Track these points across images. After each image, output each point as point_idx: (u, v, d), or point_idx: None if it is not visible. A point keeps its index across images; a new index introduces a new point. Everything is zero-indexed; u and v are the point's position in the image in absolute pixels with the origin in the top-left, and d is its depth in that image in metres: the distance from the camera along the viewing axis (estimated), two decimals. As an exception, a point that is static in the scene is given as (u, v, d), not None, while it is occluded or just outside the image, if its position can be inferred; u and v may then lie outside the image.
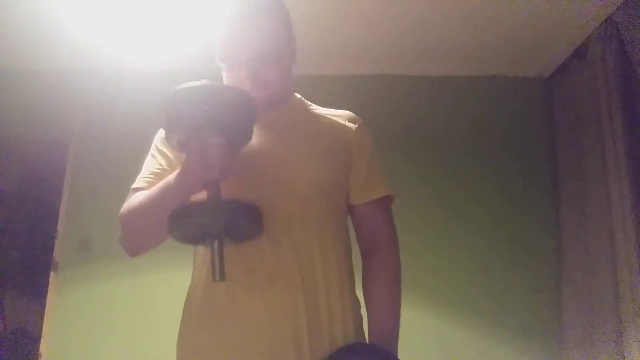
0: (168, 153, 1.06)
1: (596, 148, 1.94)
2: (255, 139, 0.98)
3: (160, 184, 0.95)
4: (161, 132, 1.08)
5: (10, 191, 2.51)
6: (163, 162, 1.07)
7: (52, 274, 2.26)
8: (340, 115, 1.15)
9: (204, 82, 0.88)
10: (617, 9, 1.85)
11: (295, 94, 1.17)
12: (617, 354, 1.74)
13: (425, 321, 2.12)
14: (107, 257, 2.13)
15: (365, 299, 1.07)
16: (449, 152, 2.35)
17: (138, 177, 1.08)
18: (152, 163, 1.08)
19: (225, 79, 1.04)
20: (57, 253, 2.28)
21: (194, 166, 0.86)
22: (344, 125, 1.12)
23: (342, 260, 1.05)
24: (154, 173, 1.05)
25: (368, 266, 1.09)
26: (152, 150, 1.10)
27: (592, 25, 1.97)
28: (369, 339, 1.03)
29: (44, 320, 2.20)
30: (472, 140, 2.36)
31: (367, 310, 1.06)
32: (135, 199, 1.01)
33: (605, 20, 1.91)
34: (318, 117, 1.13)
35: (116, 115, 2.39)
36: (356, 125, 1.13)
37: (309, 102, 1.18)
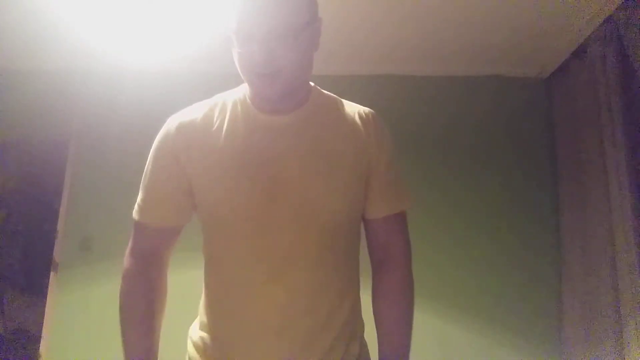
0: (170, 183, 0.98)
1: (596, 148, 1.94)
2: (273, 148, 0.93)
3: (130, 340, 0.96)
4: (157, 157, 1.00)
5: (10, 191, 2.50)
6: (168, 190, 0.99)
7: (52, 274, 2.26)
8: (361, 118, 1.04)
9: None
10: (617, 9, 1.84)
11: (313, 86, 1.07)
12: (617, 354, 1.74)
13: (425, 321, 2.12)
14: (107, 257, 2.13)
15: (375, 317, 1.04)
16: (449, 152, 2.35)
17: (140, 203, 1.01)
18: (154, 190, 1.00)
19: (236, 54, 0.92)
20: (57, 253, 2.28)
21: None
22: (366, 135, 1.02)
23: (351, 284, 1.02)
24: (159, 204, 0.99)
25: (380, 284, 1.04)
26: (151, 174, 1.01)
27: (592, 25, 1.97)
28: (380, 357, 1.01)
29: (44, 320, 2.20)
30: (472, 140, 2.36)
31: (377, 329, 1.03)
32: (126, 294, 1.00)
33: (605, 20, 1.91)
34: (337, 127, 1.01)
35: (116, 115, 2.39)
36: (377, 133, 1.04)
37: (327, 96, 1.07)
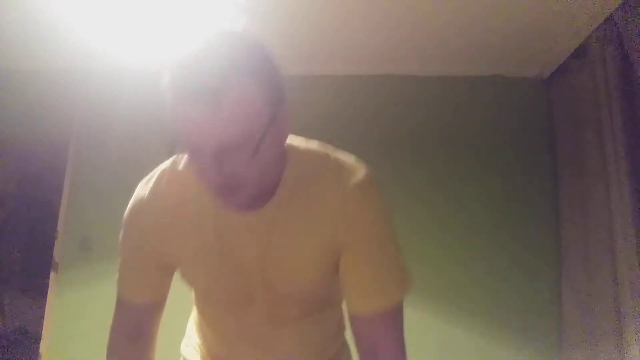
0: (146, 263, 0.94)
1: (596, 148, 1.94)
2: (239, 248, 0.87)
3: None
4: (127, 227, 0.94)
5: (10, 191, 2.50)
6: (144, 269, 0.95)
7: (52, 274, 2.26)
8: (336, 191, 0.84)
9: None
10: (617, 9, 1.84)
11: (291, 148, 0.87)
12: (617, 354, 1.74)
13: (425, 321, 2.12)
14: (107, 257, 2.13)
15: None
16: (449, 152, 2.35)
17: (119, 279, 0.98)
18: (131, 269, 0.96)
19: (186, 166, 0.82)
20: (57, 253, 2.28)
21: None
22: (339, 211, 0.83)
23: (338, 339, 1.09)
24: (138, 281, 0.96)
25: None
26: (127, 255, 0.96)
27: (592, 25, 1.97)
28: None
29: (44, 320, 2.20)
30: (472, 140, 2.36)
31: None
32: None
33: (605, 20, 1.91)
34: (307, 213, 0.85)
35: (116, 115, 2.39)
36: (355, 214, 0.83)
37: (306, 164, 0.86)
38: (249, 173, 0.72)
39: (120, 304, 0.98)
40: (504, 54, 2.28)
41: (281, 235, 0.85)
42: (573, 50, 2.16)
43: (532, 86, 2.42)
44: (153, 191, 0.89)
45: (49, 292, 2.24)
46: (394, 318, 0.84)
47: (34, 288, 2.32)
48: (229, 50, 0.69)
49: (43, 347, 2.17)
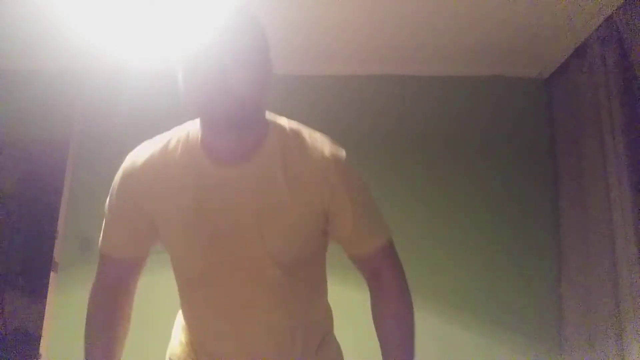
0: (128, 222, 1.00)
1: (596, 148, 1.94)
2: (226, 200, 0.93)
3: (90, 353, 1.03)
4: (118, 181, 1.01)
5: (10, 191, 2.51)
6: (126, 226, 1.01)
7: (52, 274, 2.26)
8: (318, 164, 0.96)
9: None
10: (617, 9, 1.85)
11: (270, 121, 0.99)
12: (617, 354, 1.74)
13: (426, 321, 2.12)
14: (107, 257, 2.13)
15: (378, 337, 1.03)
16: (449, 152, 2.35)
17: (102, 235, 1.03)
18: (114, 226, 1.02)
19: (185, 82, 0.90)
20: (57, 253, 2.28)
21: None
22: (322, 180, 0.95)
23: (319, 314, 1.09)
24: (120, 238, 1.02)
25: (378, 307, 1.04)
26: (112, 213, 1.02)
27: (592, 25, 1.97)
28: None
29: (44, 320, 2.20)
30: (473, 140, 2.36)
31: (381, 347, 1.02)
32: (90, 324, 1.06)
33: (605, 20, 1.91)
34: (293, 170, 0.95)
35: (116, 115, 2.39)
36: (335, 177, 0.96)
37: (287, 137, 0.98)
38: (241, 76, 0.85)
39: (102, 260, 1.04)
40: (504, 54, 2.28)
41: (269, 189, 0.93)
42: (573, 50, 2.16)
43: (532, 86, 2.42)
44: (151, 151, 0.99)
45: (49, 292, 2.24)
46: (389, 251, 1.03)
47: (34, 288, 2.33)
48: (237, 30, 0.88)
49: (43, 347, 2.17)
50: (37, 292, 2.31)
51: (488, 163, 2.33)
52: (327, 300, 1.12)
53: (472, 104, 2.41)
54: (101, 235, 1.03)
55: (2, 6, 1.98)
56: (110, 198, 1.03)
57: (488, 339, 2.13)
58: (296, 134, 0.98)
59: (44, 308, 2.22)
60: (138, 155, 1.00)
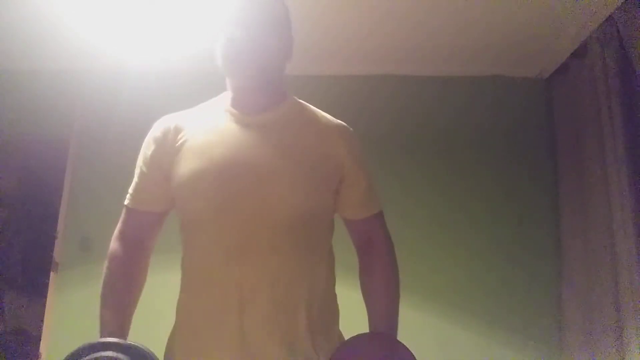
0: (155, 171, 1.08)
1: (596, 148, 1.94)
2: (243, 144, 1.01)
3: (105, 316, 1.02)
4: (145, 148, 1.10)
5: (10, 191, 2.50)
6: (153, 177, 1.08)
7: (52, 274, 2.26)
8: (332, 129, 1.10)
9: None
10: (617, 9, 1.84)
11: (292, 96, 1.15)
12: (617, 354, 1.74)
13: (425, 321, 2.12)
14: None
15: (363, 293, 1.11)
16: (449, 152, 2.35)
17: (130, 191, 1.11)
18: (142, 179, 1.10)
19: (220, 47, 1.05)
20: (57, 253, 2.28)
21: None
22: (337, 141, 1.08)
23: (320, 287, 1.06)
24: (145, 190, 1.09)
25: (364, 267, 1.14)
26: (141, 165, 1.11)
27: (592, 25, 1.97)
28: (370, 328, 1.07)
29: (44, 320, 2.20)
30: (473, 140, 2.36)
31: (366, 304, 1.10)
32: (109, 273, 1.06)
33: (605, 20, 1.91)
34: (310, 129, 1.08)
35: (116, 116, 2.40)
36: (349, 142, 1.11)
37: (304, 105, 1.14)
38: (267, 41, 1.02)
39: (128, 214, 1.11)
40: (504, 54, 2.28)
41: (288, 134, 1.05)
42: (573, 50, 2.16)
43: (532, 86, 2.42)
44: (184, 110, 1.13)
45: (49, 292, 2.24)
46: (381, 221, 1.15)
47: (34, 288, 2.32)
48: (263, 4, 1.05)
49: (43, 347, 2.17)
50: (37, 292, 2.30)
51: (488, 163, 2.33)
52: (334, 295, 1.11)
53: (472, 104, 2.41)
54: (130, 190, 1.10)
55: (2, 6, 1.98)
56: (141, 151, 1.11)
57: (488, 339, 2.13)
58: (312, 107, 1.14)
59: (44, 308, 2.22)
60: (172, 115, 1.12)
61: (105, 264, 1.07)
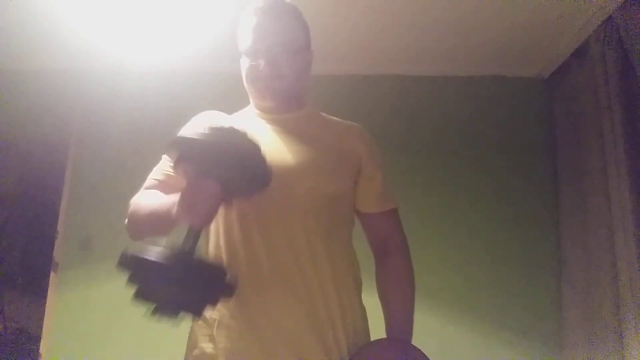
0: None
1: (596, 148, 1.94)
2: (266, 139, 1.03)
3: (162, 199, 0.98)
4: (194, 119, 1.13)
5: (10, 191, 2.51)
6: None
7: (52, 274, 2.26)
8: (351, 128, 1.19)
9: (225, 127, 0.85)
10: (617, 9, 1.85)
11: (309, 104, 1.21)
12: (617, 354, 1.74)
13: (426, 321, 2.12)
14: (107, 257, 2.13)
15: (381, 298, 1.14)
16: (449, 152, 2.35)
17: (150, 177, 1.12)
18: (164, 166, 1.12)
19: (245, 70, 1.11)
20: (57, 253, 2.28)
21: (182, 205, 0.85)
22: (356, 138, 1.17)
23: (344, 268, 1.08)
24: (165, 175, 1.10)
25: (383, 271, 1.16)
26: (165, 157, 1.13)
27: (592, 25, 1.97)
28: (387, 333, 1.10)
29: (44, 320, 2.20)
30: (472, 140, 2.36)
31: (383, 308, 1.12)
32: (142, 199, 1.05)
33: (605, 20, 1.91)
34: (330, 128, 1.17)
35: (116, 116, 2.39)
36: (367, 140, 1.18)
37: (323, 113, 1.22)
38: (288, 67, 1.08)
39: (164, 161, 1.11)
40: (504, 54, 2.28)
41: (310, 131, 1.12)
42: (573, 50, 2.16)
43: (532, 86, 2.42)
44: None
45: (49, 292, 2.24)
46: (396, 218, 1.19)
47: (34, 288, 2.33)
48: (285, 23, 1.11)
49: (43, 347, 2.17)
50: (37, 292, 2.31)
51: (487, 163, 2.33)
52: (360, 297, 1.13)
53: (472, 104, 2.41)
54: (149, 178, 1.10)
55: (2, 6, 1.98)
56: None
57: (488, 339, 2.13)
58: (327, 116, 1.22)
59: (44, 308, 2.22)
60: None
61: (132, 203, 1.06)
